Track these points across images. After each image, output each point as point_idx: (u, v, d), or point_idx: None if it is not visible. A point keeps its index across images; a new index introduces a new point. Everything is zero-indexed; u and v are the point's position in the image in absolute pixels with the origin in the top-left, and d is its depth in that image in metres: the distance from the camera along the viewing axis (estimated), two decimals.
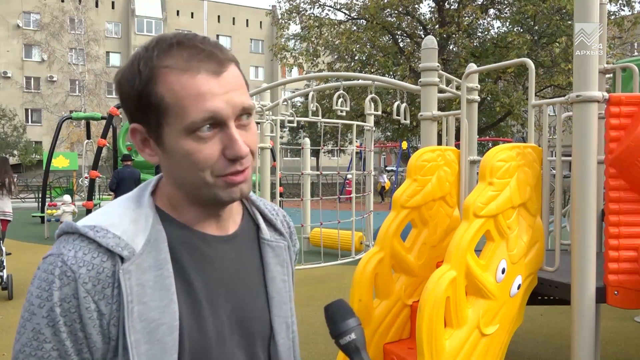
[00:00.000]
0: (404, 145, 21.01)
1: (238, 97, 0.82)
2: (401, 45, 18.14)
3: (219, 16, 52.34)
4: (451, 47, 17.64)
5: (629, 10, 16.44)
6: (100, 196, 17.72)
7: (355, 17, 18.27)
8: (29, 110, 43.57)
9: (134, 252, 0.80)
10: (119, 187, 9.33)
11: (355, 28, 18.15)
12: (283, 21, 18.66)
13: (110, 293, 0.78)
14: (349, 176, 17.01)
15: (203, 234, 0.89)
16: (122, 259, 0.79)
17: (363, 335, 0.98)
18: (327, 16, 18.59)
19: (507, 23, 17.18)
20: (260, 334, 0.93)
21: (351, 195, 8.94)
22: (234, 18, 53.23)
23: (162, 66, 0.81)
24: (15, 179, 7.75)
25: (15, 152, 38.84)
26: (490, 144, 20.56)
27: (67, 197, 11.98)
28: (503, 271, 2.86)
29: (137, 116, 0.85)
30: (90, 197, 11.01)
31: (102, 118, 13.01)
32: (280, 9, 19.08)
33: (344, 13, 18.53)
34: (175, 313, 0.81)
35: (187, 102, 0.80)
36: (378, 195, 22.67)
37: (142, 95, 0.82)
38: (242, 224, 0.96)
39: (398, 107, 4.96)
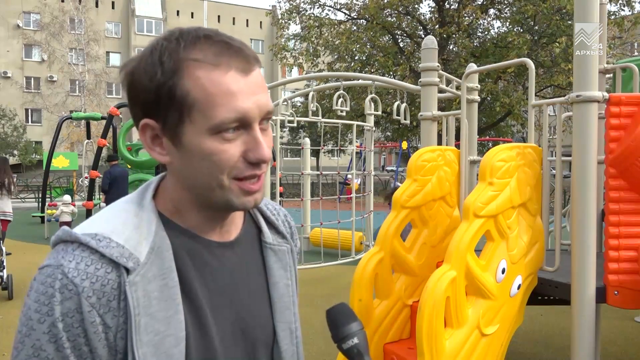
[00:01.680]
0: (404, 145, 21.00)
1: (264, 99, 0.79)
2: (401, 45, 18.15)
3: (219, 16, 52.35)
4: (451, 47, 17.65)
5: (629, 10, 16.45)
6: (100, 196, 17.70)
7: (355, 17, 18.28)
8: (29, 110, 43.59)
9: (138, 261, 0.76)
10: (111, 187, 9.25)
11: (355, 28, 18.17)
12: (283, 21, 18.68)
13: (117, 305, 0.74)
14: (349, 176, 17.01)
15: (206, 241, 0.86)
16: (127, 270, 0.75)
17: (366, 340, 0.97)
18: (327, 16, 18.61)
19: (507, 23, 17.20)
20: (263, 341, 0.91)
21: (351, 195, 8.94)
22: (234, 18, 53.24)
23: (189, 59, 0.76)
24: (15, 179, 7.75)
25: (15, 152, 38.86)
26: (490, 144, 20.56)
27: (66, 197, 11.98)
28: (503, 271, 2.86)
29: (152, 111, 0.79)
30: (90, 197, 11.00)
31: (102, 118, 13.02)
32: (280, 9, 19.09)
33: (344, 13, 18.54)
34: (182, 323, 0.78)
35: (217, 100, 0.75)
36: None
37: (164, 88, 0.76)
38: (244, 227, 0.93)
39: (398, 107, 4.96)
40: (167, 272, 0.79)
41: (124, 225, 0.79)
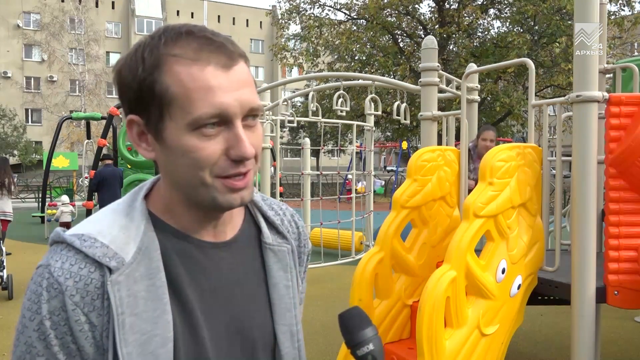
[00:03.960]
0: (404, 145, 21.00)
1: (247, 95, 0.78)
2: (401, 45, 18.15)
3: (219, 16, 52.35)
4: (451, 47, 17.65)
5: (629, 10, 16.44)
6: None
7: (355, 17, 18.29)
8: (29, 110, 43.59)
9: (123, 261, 0.76)
10: (100, 187, 9.12)
11: (355, 28, 18.17)
12: (283, 21, 18.69)
13: (101, 304, 0.75)
14: (349, 176, 17.01)
15: (198, 241, 0.84)
16: (110, 270, 0.75)
17: (381, 346, 0.92)
18: (327, 16, 18.61)
19: (507, 23, 17.20)
20: (262, 343, 0.89)
21: (351, 195, 8.94)
22: (234, 18, 53.24)
23: (169, 54, 0.76)
24: (15, 179, 7.75)
25: (15, 152, 38.85)
26: None
27: (64, 198, 11.96)
28: (503, 271, 2.86)
29: (136, 107, 0.80)
30: (90, 197, 10.98)
31: (102, 118, 13.01)
32: (280, 9, 19.10)
33: (344, 13, 18.54)
34: (169, 324, 0.77)
35: (195, 95, 0.75)
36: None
37: (145, 84, 0.77)
38: (242, 227, 0.91)
39: (398, 107, 4.96)
40: (155, 272, 0.78)
41: (111, 225, 0.80)
